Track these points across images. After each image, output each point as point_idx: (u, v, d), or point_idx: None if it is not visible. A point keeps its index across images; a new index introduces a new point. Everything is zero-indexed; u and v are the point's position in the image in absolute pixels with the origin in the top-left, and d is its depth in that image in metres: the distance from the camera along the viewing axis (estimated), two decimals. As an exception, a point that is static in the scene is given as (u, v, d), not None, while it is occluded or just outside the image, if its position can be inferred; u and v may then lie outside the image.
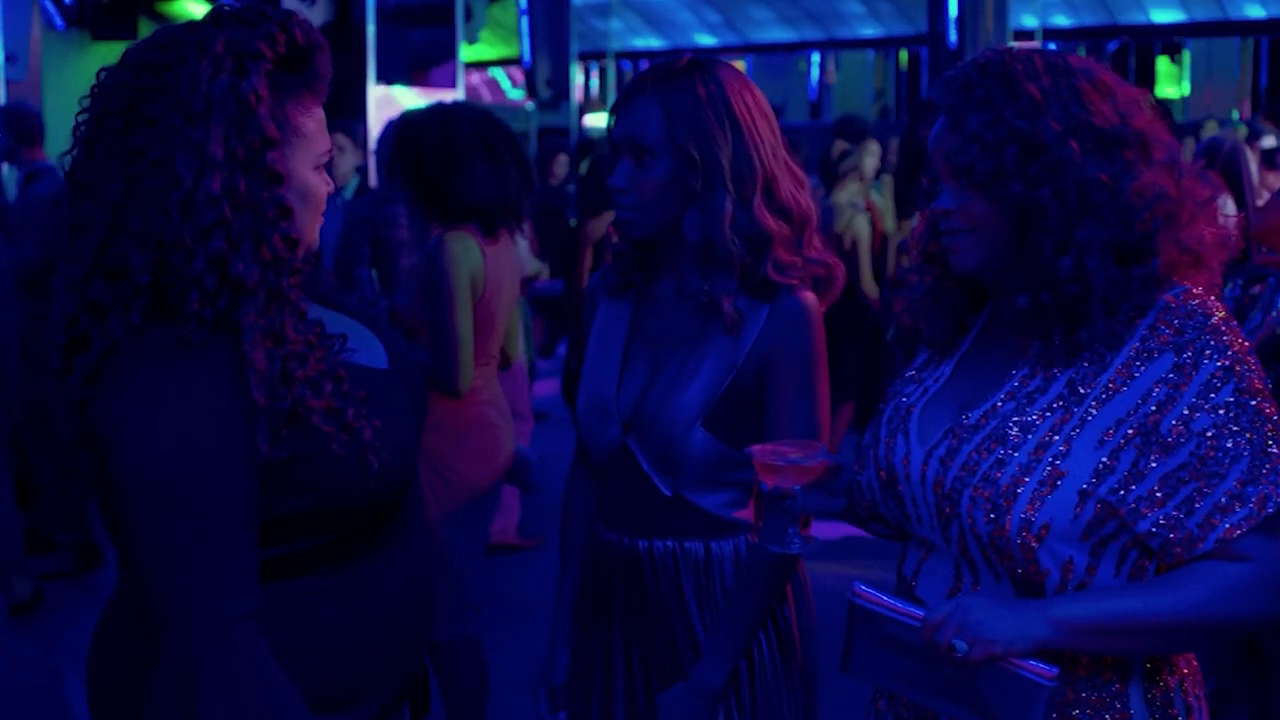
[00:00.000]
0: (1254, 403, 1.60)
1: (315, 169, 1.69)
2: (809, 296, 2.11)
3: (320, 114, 1.70)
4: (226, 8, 1.65)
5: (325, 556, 1.68)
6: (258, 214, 1.58)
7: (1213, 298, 1.67)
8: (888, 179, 8.16)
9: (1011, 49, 1.72)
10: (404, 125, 3.66)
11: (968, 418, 1.71)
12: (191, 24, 1.62)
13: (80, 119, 1.61)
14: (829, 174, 6.92)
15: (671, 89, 2.05)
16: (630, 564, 2.19)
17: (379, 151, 5.56)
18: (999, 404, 1.70)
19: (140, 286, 1.55)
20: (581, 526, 2.33)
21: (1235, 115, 16.97)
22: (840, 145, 7.04)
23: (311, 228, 1.71)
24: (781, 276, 2.09)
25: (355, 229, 5.16)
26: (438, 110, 3.61)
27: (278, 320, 1.59)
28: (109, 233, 1.56)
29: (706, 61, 2.12)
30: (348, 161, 6.54)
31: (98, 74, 1.63)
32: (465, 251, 3.43)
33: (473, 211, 3.46)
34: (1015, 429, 1.66)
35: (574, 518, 2.36)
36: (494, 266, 3.50)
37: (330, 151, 1.72)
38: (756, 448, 1.83)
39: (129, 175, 1.56)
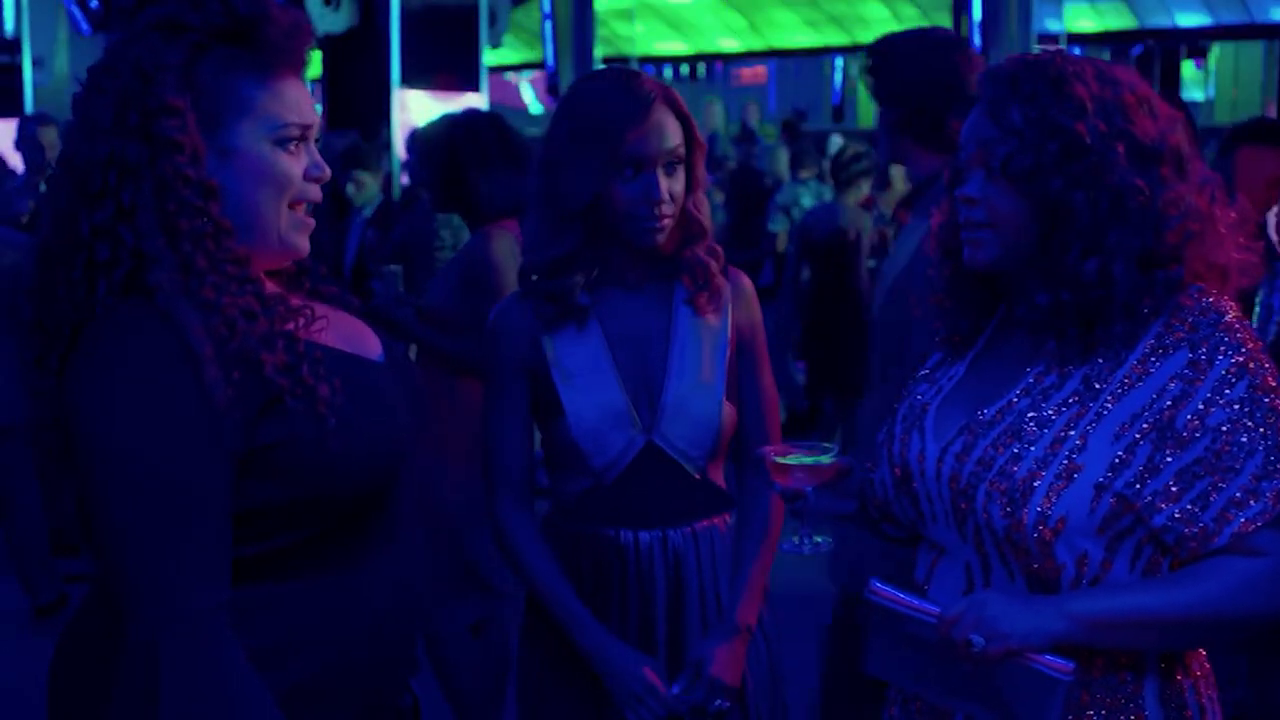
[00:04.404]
0: (1268, 399, 1.61)
1: (277, 143, 1.61)
2: (745, 276, 2.34)
3: (287, 88, 1.62)
4: None
5: (300, 557, 1.61)
6: (160, 184, 1.54)
7: (1226, 298, 1.67)
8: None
9: (1062, 52, 1.73)
10: (425, 136, 3.86)
11: (983, 414, 1.72)
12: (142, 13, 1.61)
13: None
14: (838, 176, 6.97)
15: (671, 98, 2.17)
16: (677, 554, 2.21)
17: (410, 163, 5.74)
18: (1015, 400, 1.70)
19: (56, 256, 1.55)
20: (544, 551, 2.26)
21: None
22: (852, 149, 7.07)
23: (272, 206, 1.62)
24: (712, 258, 2.25)
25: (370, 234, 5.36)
26: (458, 117, 3.76)
27: (203, 284, 1.53)
28: (54, 231, 1.57)
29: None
30: (366, 192, 6.93)
31: None
32: (505, 244, 3.53)
33: (503, 212, 3.58)
34: (1031, 424, 1.67)
35: (534, 546, 2.26)
36: None
37: (301, 127, 1.63)
38: (768, 448, 1.85)
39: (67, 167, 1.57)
